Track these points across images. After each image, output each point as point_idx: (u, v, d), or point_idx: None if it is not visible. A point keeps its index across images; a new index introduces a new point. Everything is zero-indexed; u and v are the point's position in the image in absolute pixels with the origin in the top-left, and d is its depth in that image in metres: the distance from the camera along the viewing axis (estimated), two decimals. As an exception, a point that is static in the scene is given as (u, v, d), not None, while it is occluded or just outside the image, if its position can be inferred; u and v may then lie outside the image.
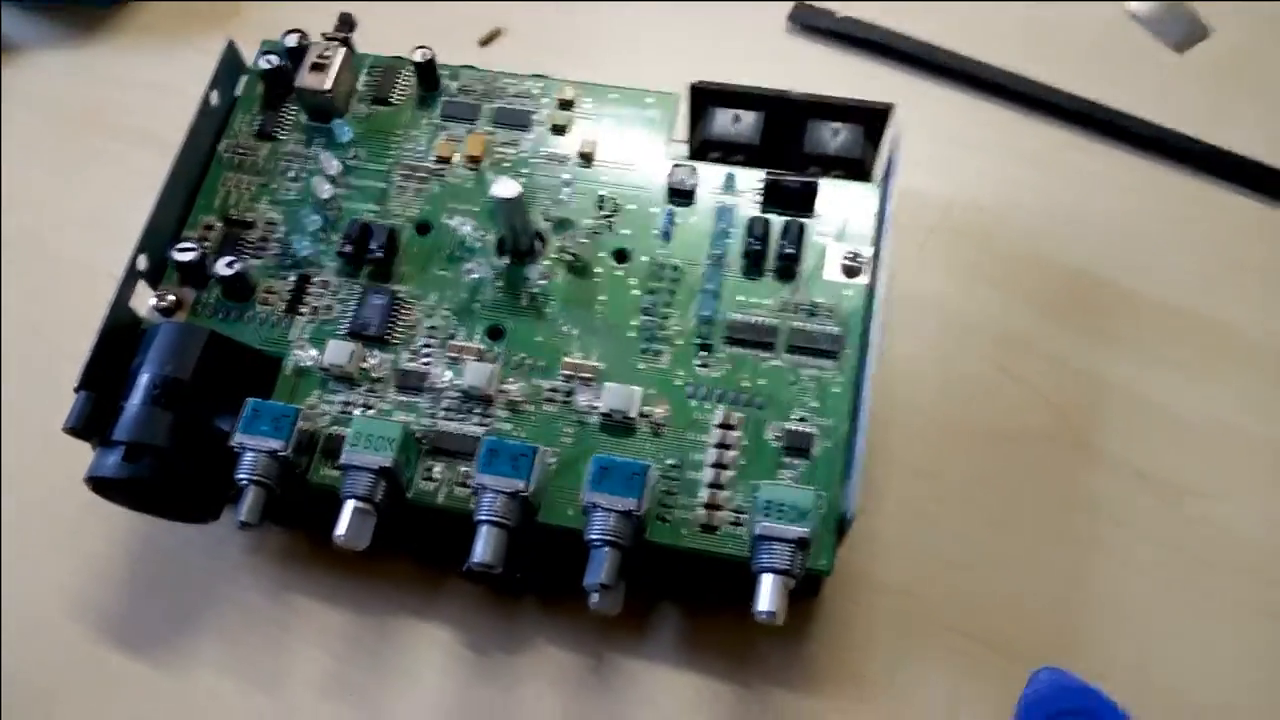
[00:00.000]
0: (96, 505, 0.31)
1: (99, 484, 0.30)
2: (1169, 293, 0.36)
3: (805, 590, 0.31)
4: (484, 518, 0.28)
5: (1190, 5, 0.42)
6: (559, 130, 0.36)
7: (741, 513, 0.29)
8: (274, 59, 0.36)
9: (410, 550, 0.33)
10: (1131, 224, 0.38)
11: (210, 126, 0.35)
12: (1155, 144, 0.39)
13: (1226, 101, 0.40)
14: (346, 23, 0.36)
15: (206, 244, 0.34)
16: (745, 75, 0.34)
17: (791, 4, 0.43)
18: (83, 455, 0.30)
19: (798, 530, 0.27)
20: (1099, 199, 0.38)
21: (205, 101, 0.35)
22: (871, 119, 0.34)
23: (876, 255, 0.32)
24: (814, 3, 0.43)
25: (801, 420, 0.30)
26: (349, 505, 0.29)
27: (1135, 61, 0.41)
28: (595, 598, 0.28)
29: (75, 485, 0.30)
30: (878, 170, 0.35)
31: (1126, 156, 0.39)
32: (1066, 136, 0.40)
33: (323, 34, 0.36)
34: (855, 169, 0.34)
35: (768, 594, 0.27)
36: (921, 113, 0.38)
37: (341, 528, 0.29)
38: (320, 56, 0.35)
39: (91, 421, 0.30)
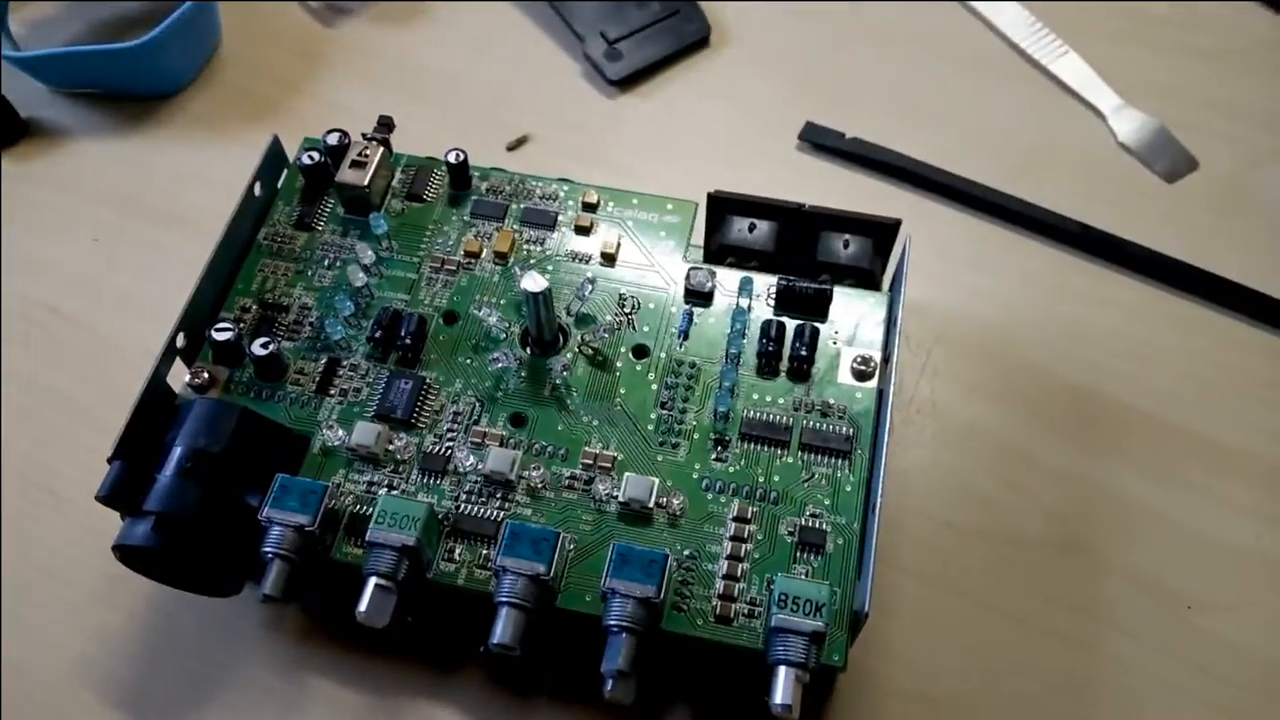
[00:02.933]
0: (116, 575, 0.32)
1: (126, 553, 0.31)
2: (1164, 409, 0.38)
3: (819, 688, 0.32)
4: (504, 599, 0.29)
5: (1179, 138, 0.44)
6: (583, 231, 0.37)
7: (756, 604, 0.30)
8: (315, 155, 0.37)
9: (425, 638, 0.33)
10: (1127, 343, 0.40)
11: (251, 214, 0.37)
12: (1149, 267, 0.41)
13: (1214, 229, 0.42)
14: (385, 124, 0.38)
15: (242, 325, 0.35)
16: (757, 186, 0.36)
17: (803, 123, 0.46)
18: (104, 525, 0.31)
19: (813, 624, 0.28)
20: (1096, 318, 0.40)
21: (249, 191, 0.36)
22: (880, 232, 0.36)
23: (886, 360, 0.34)
24: (823, 124, 0.45)
25: (815, 517, 0.31)
26: (371, 582, 0.29)
27: (1128, 189, 0.43)
28: (610, 684, 0.29)
29: (95, 554, 0.31)
30: (885, 281, 0.36)
31: (1122, 278, 0.41)
32: (1065, 258, 0.42)
33: (363, 134, 0.38)
34: (865, 278, 0.36)
35: (783, 686, 0.28)
36: (927, 229, 0.40)
37: (363, 604, 0.29)
38: (360, 154, 0.37)
39: (123, 491, 0.31)
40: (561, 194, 0.38)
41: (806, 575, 0.30)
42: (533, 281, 0.32)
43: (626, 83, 0.47)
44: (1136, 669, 0.33)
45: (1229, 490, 0.36)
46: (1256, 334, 0.40)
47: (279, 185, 0.38)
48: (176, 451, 0.31)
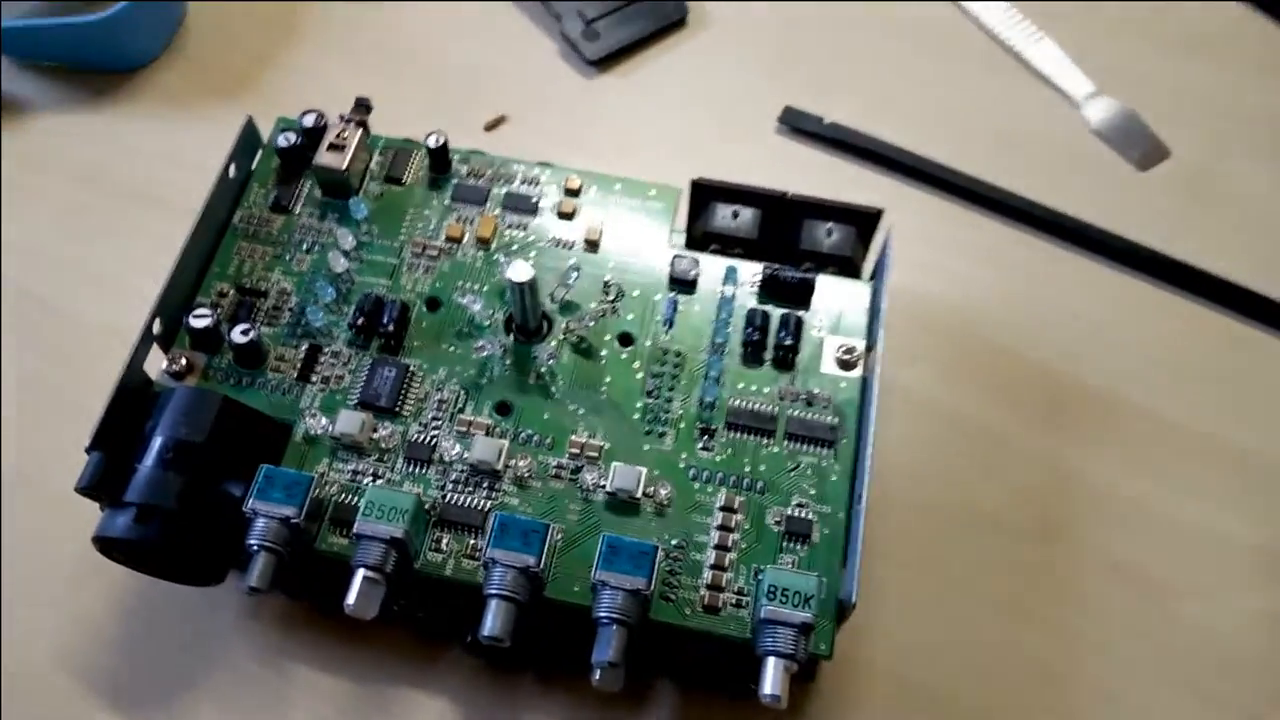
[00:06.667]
0: (96, 563, 0.31)
1: (106, 544, 0.30)
2: (1135, 395, 0.39)
3: (802, 674, 0.32)
4: (494, 592, 0.29)
5: (1151, 127, 0.45)
6: (565, 216, 0.37)
7: (744, 594, 0.30)
8: (291, 137, 0.37)
9: (409, 624, 0.33)
10: (1099, 328, 0.40)
11: (225, 196, 0.36)
12: (1120, 254, 0.42)
13: (1184, 217, 0.43)
14: (363, 106, 0.38)
15: (220, 310, 0.35)
16: (736, 169, 0.36)
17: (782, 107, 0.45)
18: (83, 514, 0.31)
19: (802, 615, 0.28)
20: (1069, 303, 0.41)
21: (224, 174, 0.36)
22: (862, 221, 0.36)
23: (870, 349, 0.34)
24: (801, 108, 0.45)
25: (801, 506, 0.32)
26: (359, 574, 0.29)
27: (1101, 177, 0.44)
28: (599, 674, 0.29)
29: (75, 544, 0.30)
30: (867, 268, 0.37)
31: (1094, 265, 0.42)
32: (1038, 243, 0.42)
33: (340, 115, 0.37)
34: (846, 266, 0.36)
35: (772, 678, 0.28)
36: (903, 214, 0.40)
37: (351, 596, 0.29)
38: (338, 137, 0.36)
39: (102, 482, 0.30)
40: (543, 178, 0.38)
41: (793, 565, 0.31)
42: (519, 271, 0.32)
43: (604, 63, 0.47)
44: (1114, 655, 0.34)
45: (1194, 474, 0.37)
46: (1223, 320, 0.40)
47: (253, 167, 0.38)
48: (157, 441, 0.31)
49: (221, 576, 0.32)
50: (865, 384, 0.34)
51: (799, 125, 0.45)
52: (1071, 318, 0.41)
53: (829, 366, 0.34)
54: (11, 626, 0.34)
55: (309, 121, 0.37)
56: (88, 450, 0.31)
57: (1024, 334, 0.40)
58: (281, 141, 0.37)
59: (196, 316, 0.33)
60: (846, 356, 0.34)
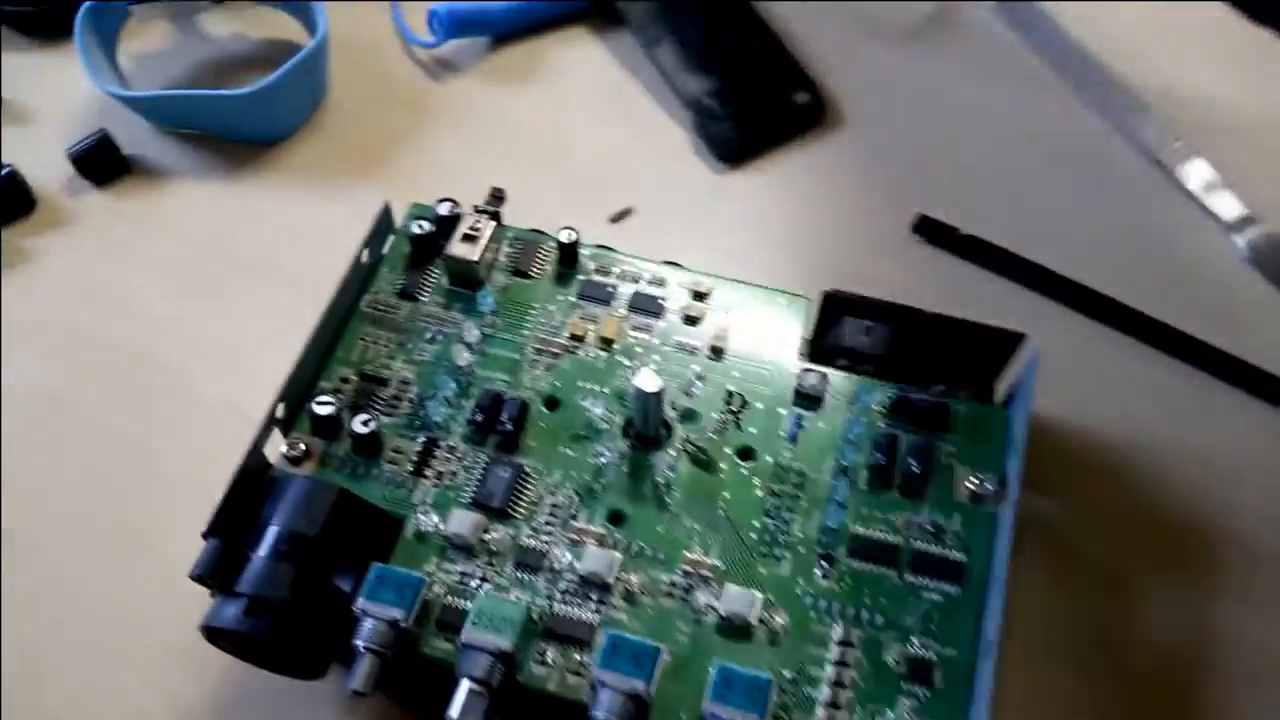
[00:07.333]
0: (193, 641, 0.31)
1: (214, 633, 0.30)
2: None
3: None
4: (601, 715, 0.28)
5: (1307, 257, 0.43)
6: (691, 321, 0.36)
7: (860, 738, 0.29)
8: (425, 225, 0.37)
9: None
10: (1248, 468, 0.38)
11: (356, 281, 0.37)
12: (1273, 391, 0.39)
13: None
14: (498, 197, 0.38)
15: (341, 396, 0.35)
16: (865, 278, 0.36)
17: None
18: (185, 584, 0.30)
19: (924, 770, 0.27)
20: (1218, 440, 0.38)
21: (357, 260, 0.36)
22: (1003, 342, 0.34)
23: (1003, 482, 0.33)
24: (935, 216, 0.44)
25: (924, 646, 0.30)
26: (464, 685, 0.28)
27: (1252, 307, 0.42)
28: (706, 814, 0.28)
29: (171, 624, 0.30)
30: (998, 392, 0.35)
31: (1245, 400, 0.39)
32: (1186, 373, 0.40)
33: (474, 206, 0.37)
34: (982, 390, 0.35)
35: (889, 835, 0.26)
36: (1041, 336, 0.38)
37: (455, 709, 0.28)
38: (472, 228, 0.36)
39: (216, 569, 0.30)
40: (670, 279, 0.37)
41: (913, 710, 0.29)
42: (647, 380, 0.31)
43: (734, 159, 0.46)
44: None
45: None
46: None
47: (384, 251, 0.38)
48: (271, 531, 0.30)
49: (324, 671, 0.31)
50: (997, 518, 0.32)
51: (932, 234, 0.44)
52: (1218, 455, 0.38)
53: (960, 497, 0.33)
54: (105, 708, 0.34)
55: (444, 210, 0.37)
56: (204, 536, 0.31)
57: (1169, 470, 0.38)
58: (415, 229, 0.37)
59: (320, 404, 0.33)
60: (978, 489, 0.33)
